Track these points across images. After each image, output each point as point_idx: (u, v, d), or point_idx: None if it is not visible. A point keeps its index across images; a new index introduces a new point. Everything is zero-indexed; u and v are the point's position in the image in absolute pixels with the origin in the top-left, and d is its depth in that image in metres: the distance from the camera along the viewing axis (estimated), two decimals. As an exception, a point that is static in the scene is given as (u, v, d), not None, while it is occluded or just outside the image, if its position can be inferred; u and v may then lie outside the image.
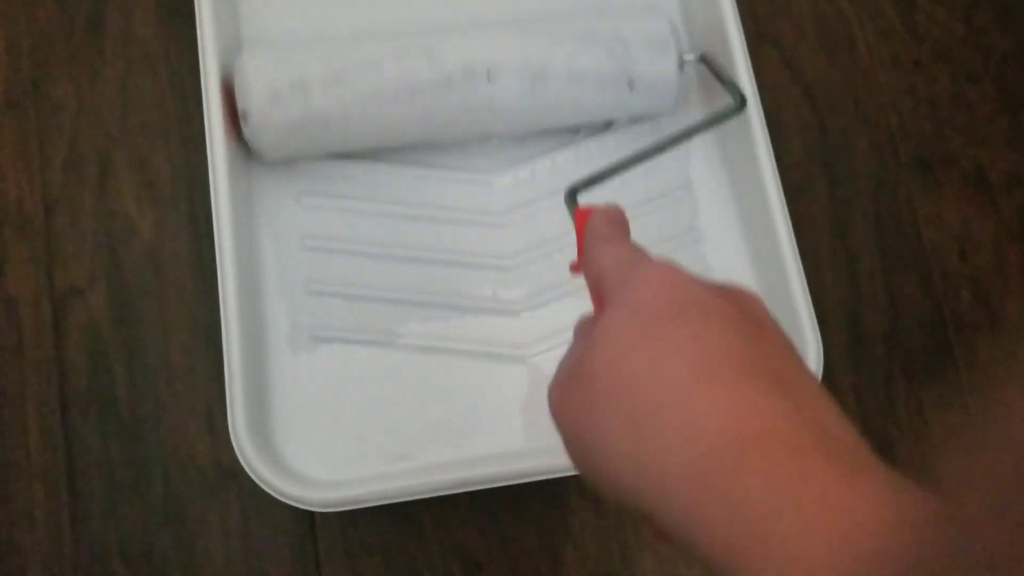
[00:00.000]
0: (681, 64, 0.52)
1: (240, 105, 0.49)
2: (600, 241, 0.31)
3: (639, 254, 0.30)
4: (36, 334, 0.53)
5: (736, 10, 0.53)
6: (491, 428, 0.49)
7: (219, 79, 0.50)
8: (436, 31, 0.52)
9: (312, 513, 0.51)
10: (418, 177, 0.54)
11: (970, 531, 0.18)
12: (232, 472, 0.51)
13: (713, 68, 0.52)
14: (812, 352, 0.48)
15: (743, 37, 0.53)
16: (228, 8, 0.54)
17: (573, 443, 0.28)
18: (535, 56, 0.51)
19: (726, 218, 0.55)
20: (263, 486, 0.45)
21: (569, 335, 0.51)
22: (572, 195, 0.39)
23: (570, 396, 0.28)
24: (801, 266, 0.50)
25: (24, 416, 0.52)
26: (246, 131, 0.50)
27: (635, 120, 0.55)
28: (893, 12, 0.62)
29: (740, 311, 0.27)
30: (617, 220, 0.33)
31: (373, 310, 0.51)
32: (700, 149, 0.56)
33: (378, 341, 0.51)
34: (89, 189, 0.55)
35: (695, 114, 0.56)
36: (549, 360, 0.51)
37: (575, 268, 0.34)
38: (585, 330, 0.31)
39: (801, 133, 0.60)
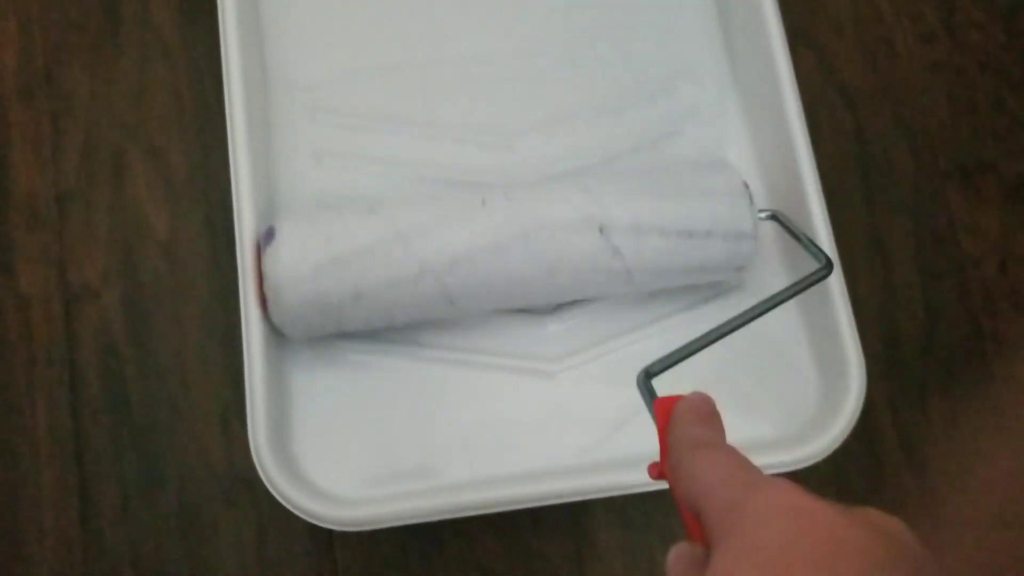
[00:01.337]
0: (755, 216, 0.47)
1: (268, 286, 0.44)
2: (694, 449, 0.26)
3: (750, 469, 0.24)
4: (48, 335, 0.51)
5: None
6: (515, 444, 0.48)
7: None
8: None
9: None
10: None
11: None
12: (248, 479, 0.50)
13: (786, 226, 0.47)
14: (855, 369, 0.46)
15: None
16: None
17: None
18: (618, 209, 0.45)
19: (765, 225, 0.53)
20: (283, 502, 0.44)
21: (598, 350, 0.50)
22: (647, 380, 0.34)
23: None
24: (845, 284, 0.48)
25: (35, 421, 0.50)
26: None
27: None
28: (933, 16, 0.60)
29: (884, 544, 0.22)
30: (710, 416, 0.27)
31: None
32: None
33: (401, 353, 0.49)
34: (103, 183, 0.53)
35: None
36: (576, 376, 0.49)
37: (656, 472, 0.29)
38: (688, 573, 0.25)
39: (837, 136, 0.58)
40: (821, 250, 0.44)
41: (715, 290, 0.51)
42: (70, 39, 0.54)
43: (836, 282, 0.47)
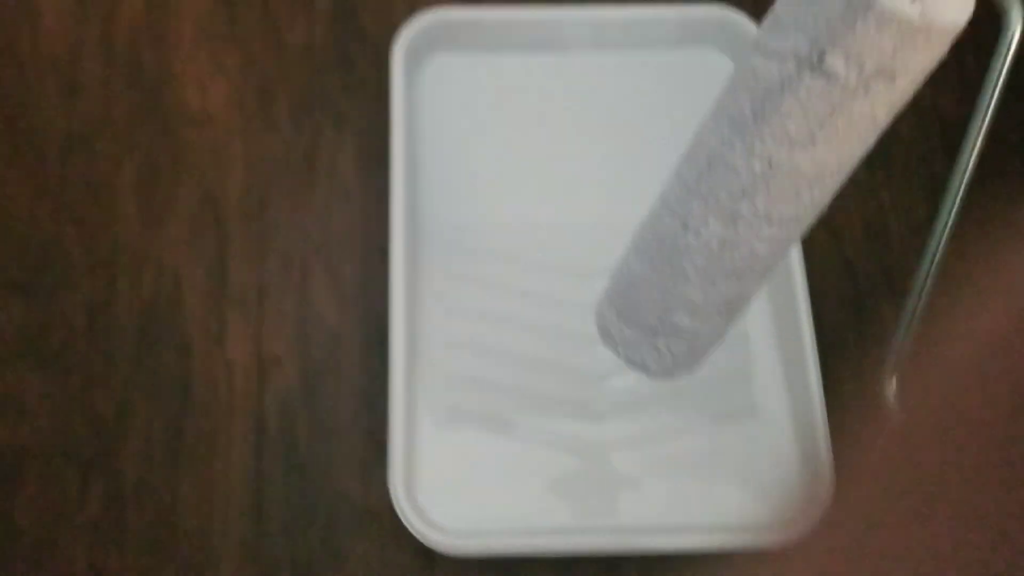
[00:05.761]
0: None
1: None
2: None
3: None
4: (244, 391, 0.70)
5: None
6: (609, 503, 0.65)
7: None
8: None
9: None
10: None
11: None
12: (376, 513, 0.67)
13: None
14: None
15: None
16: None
17: None
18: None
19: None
20: (410, 528, 0.61)
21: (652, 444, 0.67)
22: None
23: None
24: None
25: (228, 455, 0.69)
26: None
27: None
28: None
29: None
30: None
31: (504, 400, 0.68)
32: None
33: (505, 430, 0.67)
34: (293, 284, 0.73)
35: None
36: (633, 461, 0.67)
37: None
38: None
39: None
40: None
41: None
42: (279, 179, 0.75)
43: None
